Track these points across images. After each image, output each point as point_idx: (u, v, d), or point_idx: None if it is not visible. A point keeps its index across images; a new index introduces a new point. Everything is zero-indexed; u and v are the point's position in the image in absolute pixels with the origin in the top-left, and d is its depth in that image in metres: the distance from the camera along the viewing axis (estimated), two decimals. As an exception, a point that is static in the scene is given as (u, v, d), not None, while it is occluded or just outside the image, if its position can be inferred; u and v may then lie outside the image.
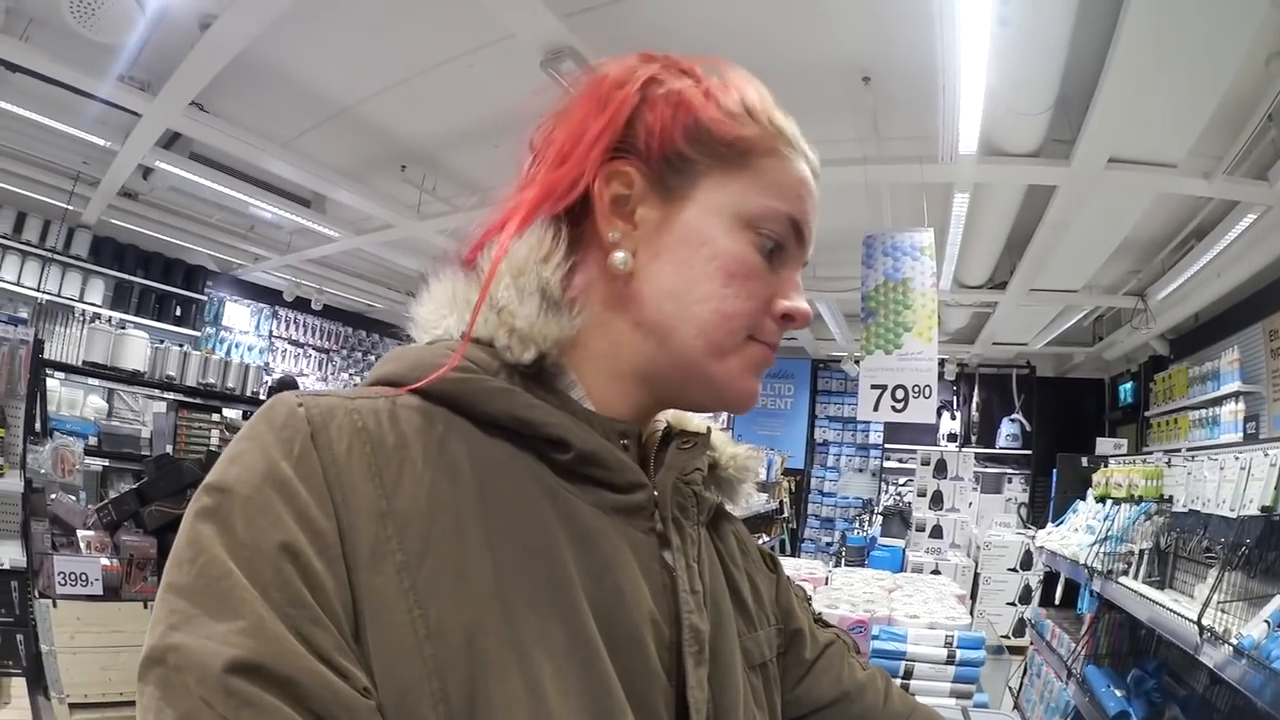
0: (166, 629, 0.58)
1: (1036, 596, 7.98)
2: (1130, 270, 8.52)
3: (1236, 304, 7.85)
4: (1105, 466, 5.49)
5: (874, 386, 5.32)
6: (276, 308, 11.25)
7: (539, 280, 0.80)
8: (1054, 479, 6.92)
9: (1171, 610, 3.38)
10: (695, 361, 0.84)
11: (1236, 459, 3.41)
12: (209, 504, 0.64)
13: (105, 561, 3.88)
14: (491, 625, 0.67)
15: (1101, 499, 5.29)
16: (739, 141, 0.84)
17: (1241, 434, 7.36)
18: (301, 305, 11.27)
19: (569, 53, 4.47)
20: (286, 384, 9.81)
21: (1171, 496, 4.18)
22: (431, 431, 0.74)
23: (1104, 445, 7.96)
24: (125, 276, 9.66)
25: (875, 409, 5.30)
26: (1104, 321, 10.64)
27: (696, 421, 1.01)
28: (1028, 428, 12.58)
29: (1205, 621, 2.90)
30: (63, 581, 3.72)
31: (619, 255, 0.82)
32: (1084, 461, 6.48)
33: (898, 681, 2.87)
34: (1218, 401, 7.88)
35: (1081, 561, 4.76)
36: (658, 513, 0.86)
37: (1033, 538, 8.00)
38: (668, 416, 0.98)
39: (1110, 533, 4.57)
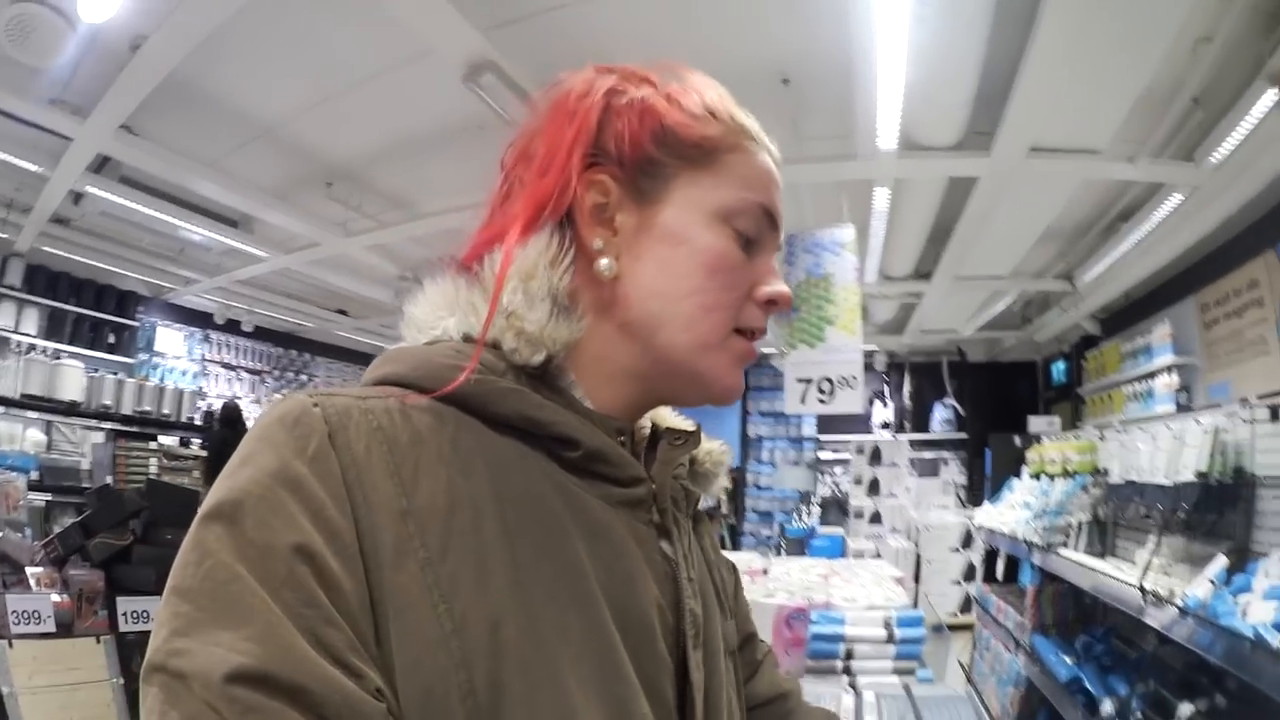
0: (170, 633, 0.59)
1: (979, 574, 8.13)
2: (1058, 254, 8.66)
3: (1167, 280, 8.02)
4: (1039, 444, 5.68)
5: (800, 380, 5.38)
6: (208, 331, 11.12)
7: (549, 285, 0.83)
8: (988, 459, 7.05)
9: (1113, 577, 3.49)
10: (683, 358, 0.87)
11: (1169, 428, 3.52)
12: (218, 505, 0.64)
13: (55, 598, 3.83)
14: (513, 617, 0.69)
15: (1037, 475, 5.48)
16: (705, 141, 0.88)
17: (1175, 405, 7.53)
18: (232, 328, 11.16)
19: (490, 67, 4.47)
20: (231, 411, 9.70)
21: (1106, 469, 4.28)
22: (443, 430, 0.75)
23: (1036, 424, 8.10)
24: (59, 305, 9.47)
25: (802, 402, 5.36)
26: (1034, 304, 10.80)
27: (673, 418, 1.04)
28: (961, 412, 12.76)
29: (1147, 585, 3.00)
30: (16, 620, 3.65)
31: (604, 262, 0.85)
32: (1016, 441, 6.62)
33: (839, 664, 2.95)
34: (1151, 375, 8.05)
35: (1020, 537, 4.93)
36: (656, 505, 0.89)
37: (971, 517, 8.12)
38: (649, 414, 1.01)
39: (1047, 507, 4.69)
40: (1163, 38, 4.33)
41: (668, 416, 1.04)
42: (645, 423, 1.00)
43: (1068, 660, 4.16)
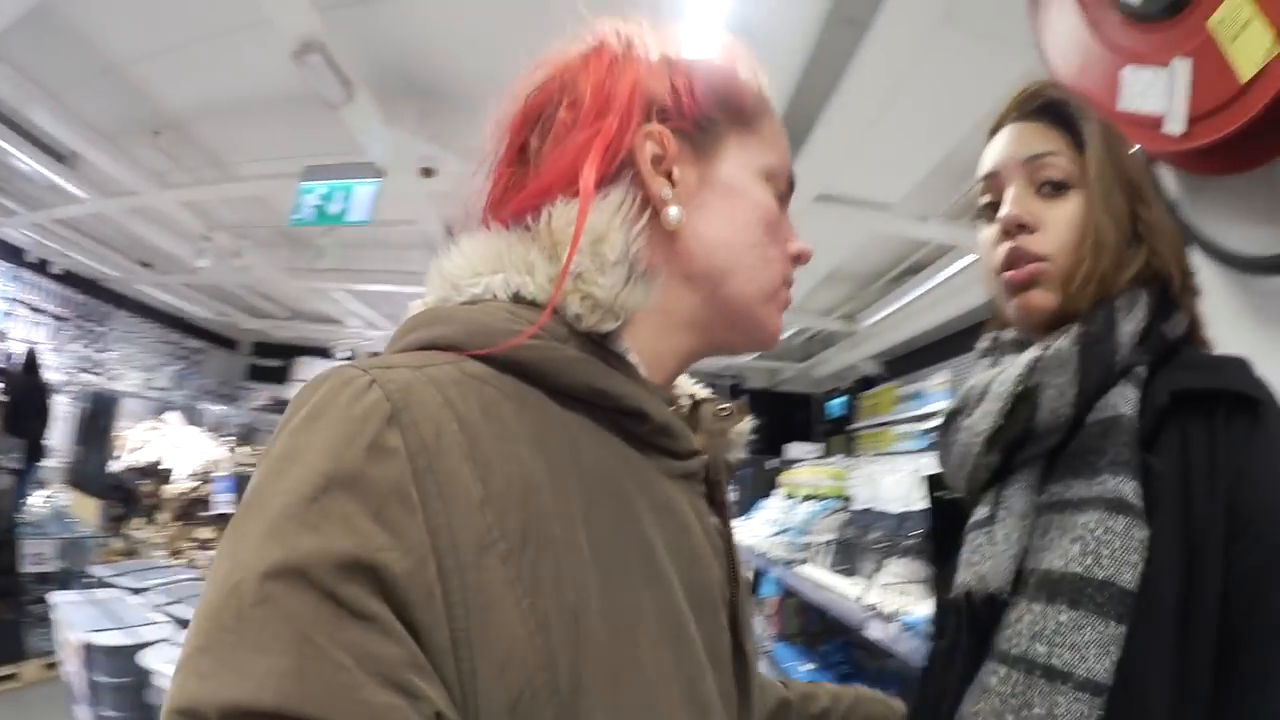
0: (182, 661, 0.54)
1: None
2: (846, 296, 8.99)
3: (952, 334, 8.39)
4: (791, 469, 6.02)
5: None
6: (19, 269, 10.61)
7: (624, 247, 0.81)
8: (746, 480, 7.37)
9: (839, 593, 3.78)
10: (747, 306, 0.90)
11: (910, 462, 3.84)
12: (258, 511, 0.59)
13: None
14: (593, 605, 0.66)
15: (789, 497, 5.78)
16: (754, 105, 0.93)
17: (927, 445, 7.93)
18: (41, 269, 10.61)
19: (317, 47, 4.47)
20: (32, 360, 9.23)
21: (852, 495, 4.61)
22: (509, 402, 0.71)
23: (795, 449, 8.41)
24: None
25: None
26: (817, 340, 11.20)
27: (694, 388, 1.05)
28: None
29: (870, 601, 3.28)
30: None
31: (674, 211, 0.84)
32: (769, 465, 6.96)
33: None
34: (924, 418, 8.47)
35: (763, 551, 5.19)
36: (707, 477, 0.90)
37: (735, 530, 8.42)
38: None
39: (790, 525, 5.01)
40: (973, 117, 4.50)
41: (688, 385, 1.04)
42: (680, 393, 1.01)
43: (808, 666, 4.48)
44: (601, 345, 0.80)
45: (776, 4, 3.98)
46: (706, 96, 0.89)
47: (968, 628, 1.06)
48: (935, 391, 8.28)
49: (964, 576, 1.04)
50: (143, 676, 3.22)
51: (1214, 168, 1.71)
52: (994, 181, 1.26)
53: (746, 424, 1.02)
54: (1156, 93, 1.60)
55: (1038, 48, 2.04)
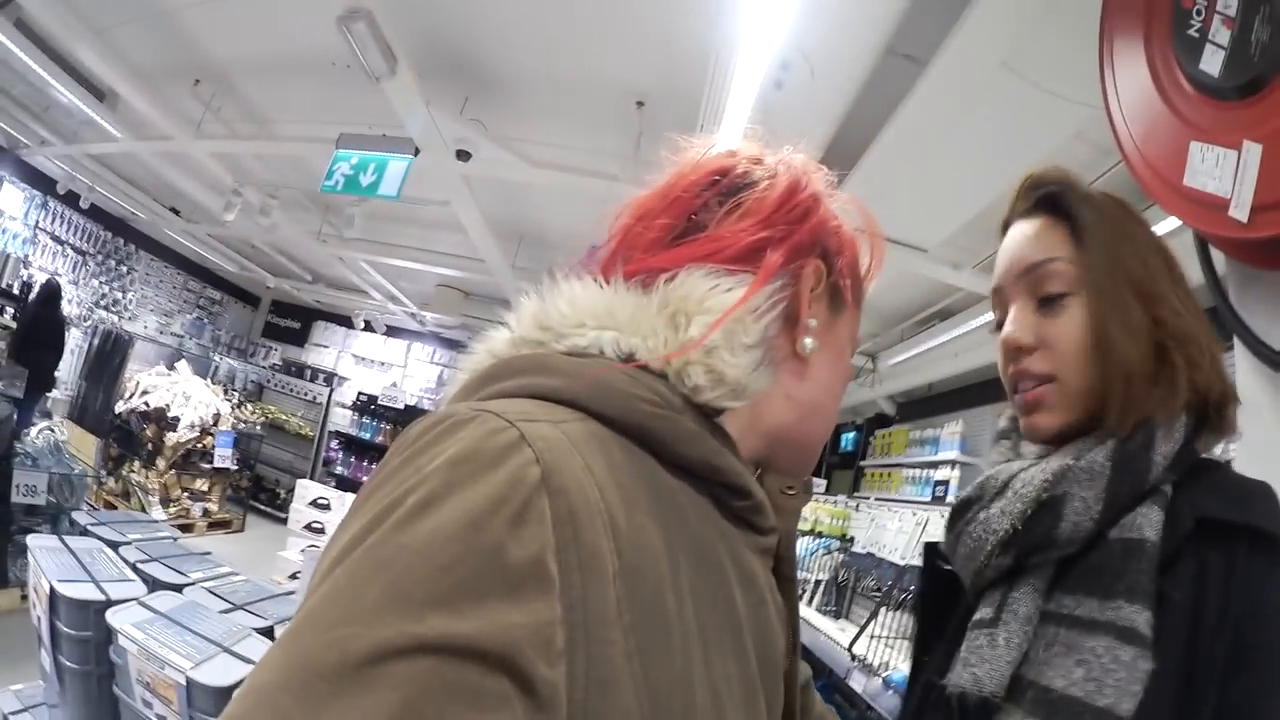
0: (275, 688, 0.49)
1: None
2: (868, 332, 8.96)
3: (970, 384, 8.32)
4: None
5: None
6: (48, 198, 10.60)
7: (760, 334, 0.85)
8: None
9: (829, 637, 3.70)
10: (814, 441, 0.98)
11: (914, 514, 3.75)
12: (381, 561, 0.54)
13: None
14: (693, 676, 0.66)
15: (788, 529, 5.64)
16: (863, 291, 1.05)
17: (931, 496, 7.93)
18: (70, 201, 10.67)
19: (364, 15, 4.43)
20: (51, 290, 9.27)
21: (853, 537, 4.52)
22: (629, 467, 0.70)
23: None
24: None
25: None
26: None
27: None
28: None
29: (858, 651, 3.19)
30: None
31: (809, 341, 0.91)
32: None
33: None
34: (934, 465, 8.39)
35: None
36: (778, 553, 0.92)
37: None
38: None
39: (783, 559, 4.92)
40: (1020, 169, 4.44)
41: None
42: None
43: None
44: (710, 420, 0.81)
45: (836, 31, 3.90)
46: (850, 267, 1.00)
47: None
48: (949, 440, 8.18)
49: (960, 677, 1.03)
50: (106, 634, 3.17)
51: (1272, 263, 1.62)
52: (999, 298, 1.28)
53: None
54: (1224, 174, 1.52)
55: (1104, 105, 1.94)
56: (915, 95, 3.95)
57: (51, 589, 3.31)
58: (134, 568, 3.98)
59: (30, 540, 4.01)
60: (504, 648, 0.52)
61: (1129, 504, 1.02)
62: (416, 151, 6.04)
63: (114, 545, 4.35)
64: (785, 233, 0.89)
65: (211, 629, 3.15)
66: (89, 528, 4.77)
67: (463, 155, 6.05)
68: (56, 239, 10.91)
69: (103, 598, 3.31)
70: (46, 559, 3.69)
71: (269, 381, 15.23)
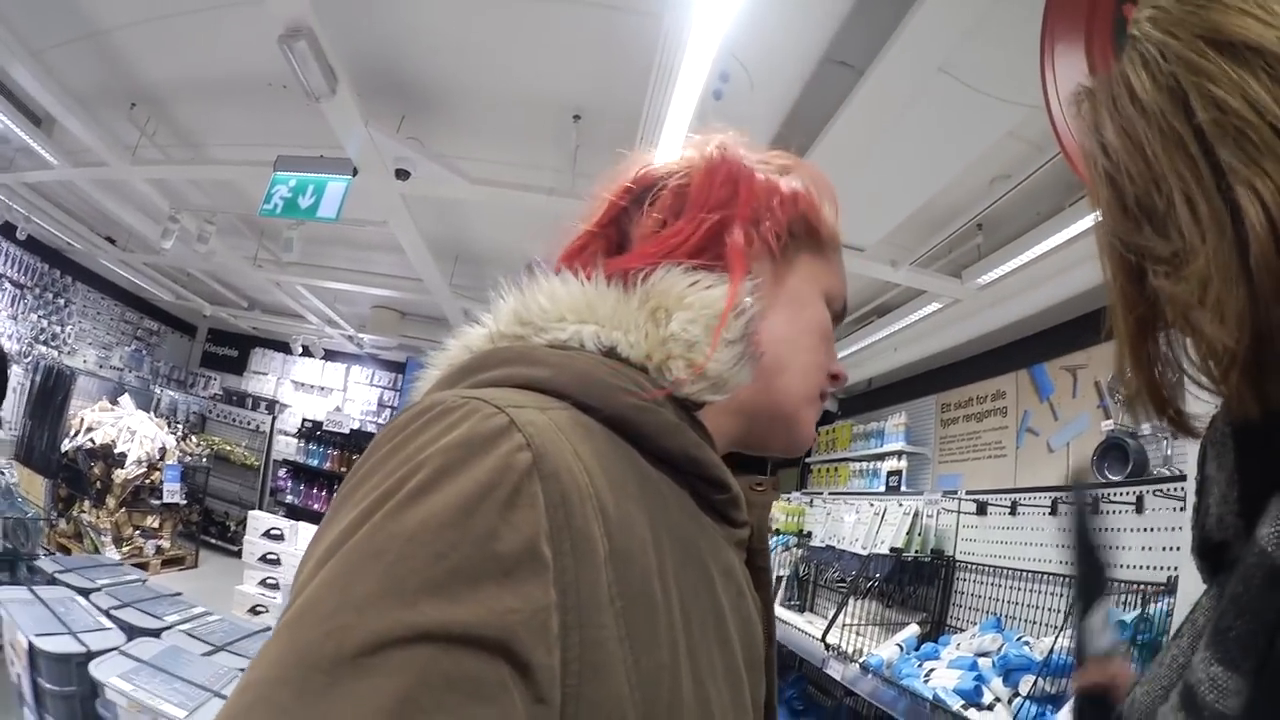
0: (273, 682, 0.49)
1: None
2: None
3: (911, 377, 8.48)
4: (748, 501, 5.94)
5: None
6: (-15, 232, 10.44)
7: (744, 330, 0.87)
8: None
9: (800, 630, 3.76)
10: (791, 404, 0.97)
11: (871, 505, 3.83)
12: (374, 547, 0.55)
13: None
14: (680, 663, 0.67)
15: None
16: (829, 237, 1.05)
17: (885, 486, 8.00)
18: (7, 233, 10.49)
19: (305, 34, 4.40)
20: None
21: (811, 532, 4.58)
22: (614, 455, 0.71)
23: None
24: None
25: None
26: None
27: None
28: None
29: (831, 640, 3.25)
30: None
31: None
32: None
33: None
34: (880, 457, 8.47)
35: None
36: (750, 545, 0.95)
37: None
38: None
39: (743, 558, 4.99)
40: (956, 168, 4.59)
41: None
42: None
43: (757, 703, 4.44)
44: (690, 414, 0.84)
45: (775, 41, 4.00)
46: (795, 217, 1.00)
47: None
48: (894, 432, 8.28)
49: (1136, 693, 0.84)
50: (92, 688, 3.13)
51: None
52: None
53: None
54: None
55: (1045, 102, 2.02)
56: (852, 101, 4.03)
57: (30, 644, 3.27)
58: (108, 614, 3.93)
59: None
60: (500, 633, 0.53)
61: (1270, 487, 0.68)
62: (355, 171, 6.01)
63: (84, 592, 4.32)
64: (730, 215, 0.93)
65: (197, 673, 3.13)
66: (56, 575, 4.70)
67: (401, 174, 6.02)
68: (-5, 272, 10.73)
69: (83, 649, 3.27)
70: (20, 612, 3.64)
71: (210, 412, 14.94)
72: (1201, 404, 0.75)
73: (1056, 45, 2.02)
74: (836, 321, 1.05)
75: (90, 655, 3.23)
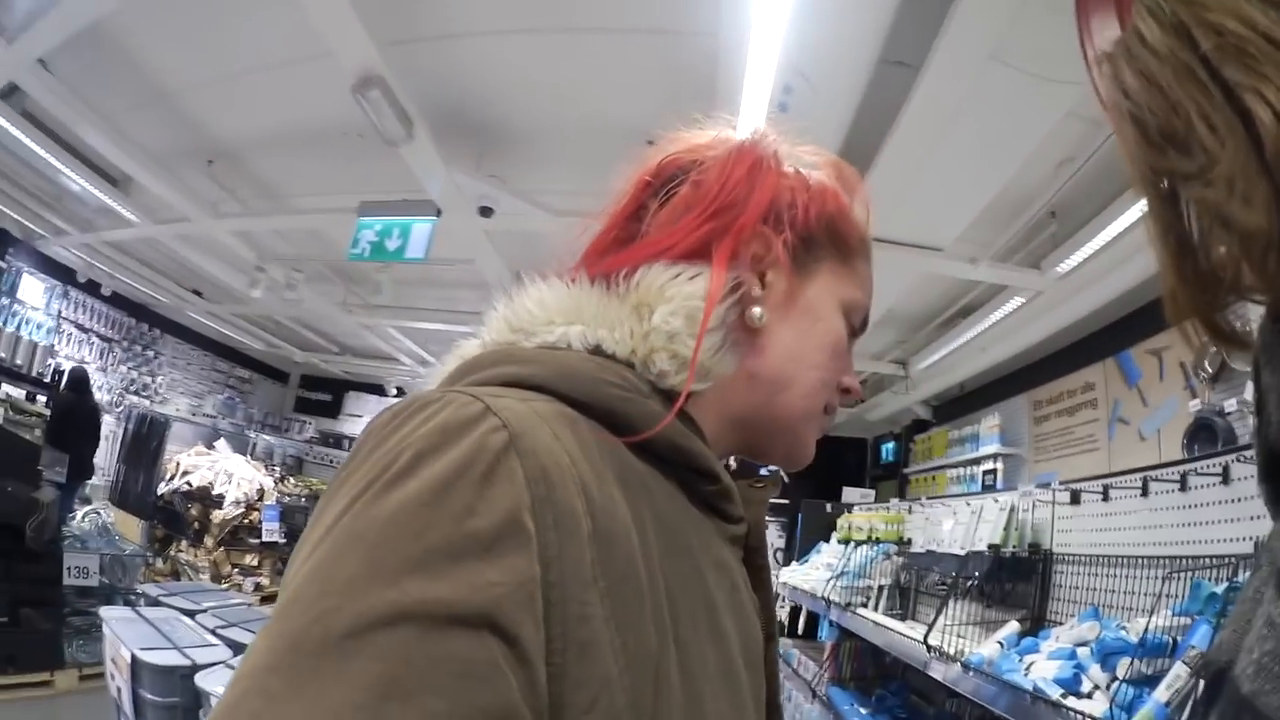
0: (263, 670, 0.50)
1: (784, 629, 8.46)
2: (896, 340, 8.97)
3: (1001, 377, 8.39)
4: (849, 512, 5.95)
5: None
6: (68, 288, 10.70)
7: (722, 318, 0.85)
8: (799, 523, 7.35)
9: (902, 634, 3.76)
10: (794, 420, 0.93)
11: (968, 504, 3.82)
12: (354, 533, 0.55)
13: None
14: (667, 650, 0.66)
15: (844, 541, 5.71)
16: (856, 243, 0.98)
17: (981, 486, 8.03)
18: (92, 289, 10.77)
19: (378, 82, 4.54)
20: (79, 376, 9.42)
21: (910, 539, 4.58)
22: (597, 445, 0.70)
23: (850, 494, 8.40)
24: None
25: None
26: (869, 385, 11.06)
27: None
28: (787, 480, 12.83)
29: (933, 642, 3.25)
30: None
31: (757, 310, 0.88)
32: (828, 508, 6.96)
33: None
34: (976, 461, 8.45)
35: (820, 595, 5.17)
36: (748, 543, 0.93)
37: (776, 575, 8.38)
38: None
39: (846, 569, 4.98)
40: (1021, 155, 4.56)
41: None
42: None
43: (862, 710, 4.45)
44: (672, 404, 0.81)
45: (829, 49, 4.01)
46: (819, 220, 0.94)
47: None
48: (988, 435, 8.24)
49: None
50: (196, 698, 3.20)
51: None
52: None
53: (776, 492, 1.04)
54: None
55: (1091, 80, 2.04)
56: (913, 99, 4.05)
57: (133, 657, 3.32)
58: (214, 633, 4.00)
59: (104, 612, 4.04)
60: (483, 607, 0.53)
61: None
62: (438, 212, 6.12)
63: (190, 614, 4.39)
64: (730, 220, 0.88)
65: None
66: (161, 599, 4.79)
67: (485, 211, 6.12)
68: (81, 327, 11.08)
69: (188, 663, 3.34)
70: (124, 629, 3.71)
71: (307, 454, 15.33)
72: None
73: (1091, 16, 2.04)
74: (856, 334, 1.01)
75: (196, 668, 3.29)
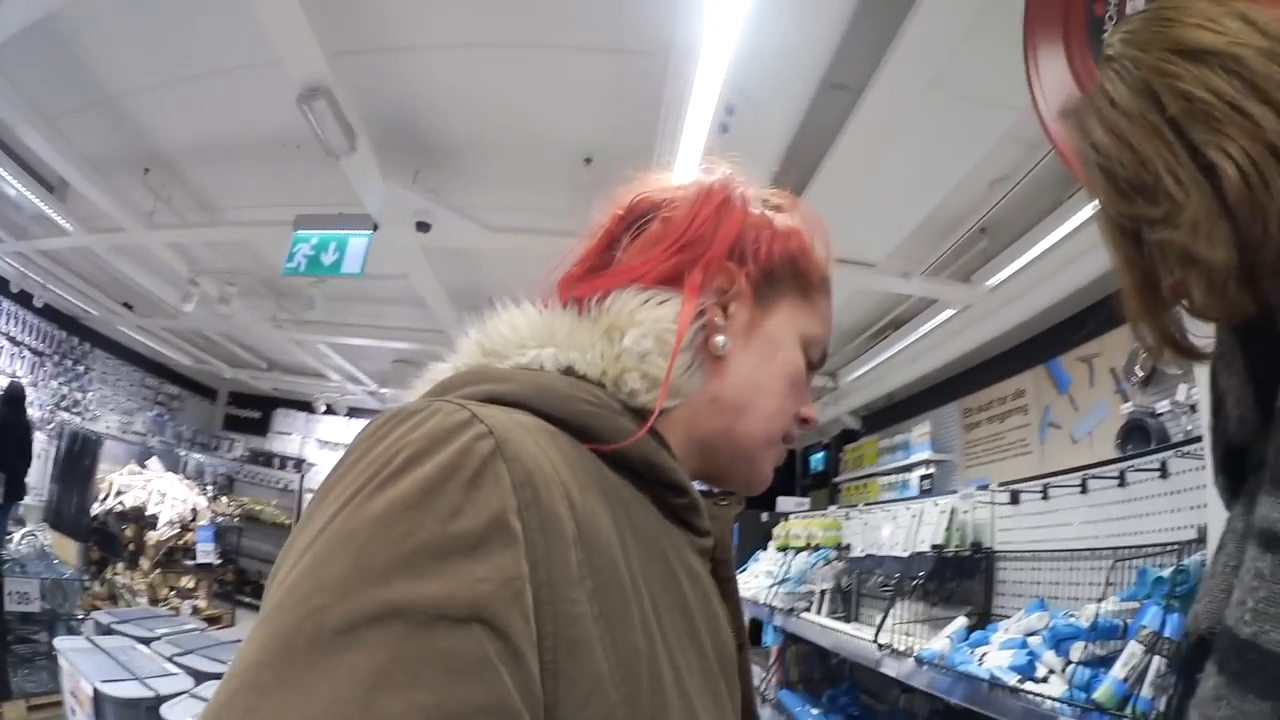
0: (255, 665, 0.52)
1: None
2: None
3: (931, 386, 8.53)
4: (785, 521, 6.13)
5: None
6: (1, 299, 10.53)
7: (691, 340, 0.89)
8: (735, 534, 7.45)
9: (850, 635, 3.87)
10: (752, 445, 0.97)
11: (908, 509, 3.94)
12: (345, 534, 0.57)
13: None
14: (657, 649, 0.69)
15: (783, 548, 5.84)
16: (817, 280, 1.04)
17: (918, 491, 8.10)
18: (23, 301, 10.57)
19: (324, 93, 4.52)
20: (14, 391, 9.15)
21: (849, 544, 4.69)
22: (577, 456, 0.74)
23: (785, 503, 8.45)
24: None
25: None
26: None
27: None
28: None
29: (884, 640, 3.36)
30: None
31: (721, 339, 0.93)
32: (763, 517, 7.10)
33: None
34: (908, 469, 8.55)
35: (762, 601, 5.27)
36: (714, 556, 0.95)
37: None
38: None
39: (788, 575, 5.09)
40: (956, 177, 4.70)
41: None
42: None
43: (814, 711, 4.55)
44: (644, 421, 0.85)
45: (774, 71, 4.10)
46: (781, 256, 1.00)
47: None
48: (919, 442, 8.37)
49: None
50: None
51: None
52: None
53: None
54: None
55: (1034, 105, 2.16)
56: (852, 122, 4.17)
57: (95, 691, 3.27)
58: (172, 661, 3.94)
59: (58, 643, 3.97)
60: (471, 603, 0.54)
61: None
62: (375, 227, 6.10)
63: (145, 641, 4.31)
64: (698, 253, 0.93)
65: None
66: (113, 626, 4.71)
67: (422, 226, 6.11)
68: (13, 340, 10.80)
69: (152, 694, 3.29)
70: (81, 660, 3.65)
71: (238, 473, 15.12)
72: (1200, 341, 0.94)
73: (1038, 47, 2.16)
74: (815, 368, 1.06)
75: (160, 699, 3.25)
